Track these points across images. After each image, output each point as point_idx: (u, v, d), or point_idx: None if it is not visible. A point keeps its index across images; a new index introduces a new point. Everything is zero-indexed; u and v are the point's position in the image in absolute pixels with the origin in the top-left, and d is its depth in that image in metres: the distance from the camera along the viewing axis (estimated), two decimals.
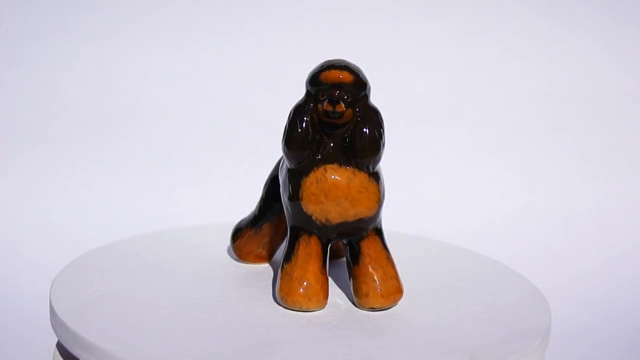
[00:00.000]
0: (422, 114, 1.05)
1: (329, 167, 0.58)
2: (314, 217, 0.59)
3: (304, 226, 0.60)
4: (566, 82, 1.06)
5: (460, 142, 1.05)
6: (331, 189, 0.58)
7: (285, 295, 0.60)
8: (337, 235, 0.60)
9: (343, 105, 0.57)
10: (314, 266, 0.60)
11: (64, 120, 1.02)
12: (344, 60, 0.59)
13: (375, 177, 0.59)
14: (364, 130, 0.58)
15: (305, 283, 0.59)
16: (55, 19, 1.02)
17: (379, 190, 0.60)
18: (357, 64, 0.60)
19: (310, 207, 0.59)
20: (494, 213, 1.00)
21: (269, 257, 0.68)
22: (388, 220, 0.75)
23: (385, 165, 0.92)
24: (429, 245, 0.77)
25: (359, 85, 0.58)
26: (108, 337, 0.52)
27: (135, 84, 1.03)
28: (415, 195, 1.00)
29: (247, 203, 0.74)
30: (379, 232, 0.61)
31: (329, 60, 0.59)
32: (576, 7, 1.05)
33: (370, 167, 0.59)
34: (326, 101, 0.57)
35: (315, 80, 0.58)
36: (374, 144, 0.58)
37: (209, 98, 1.04)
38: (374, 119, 0.59)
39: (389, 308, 0.61)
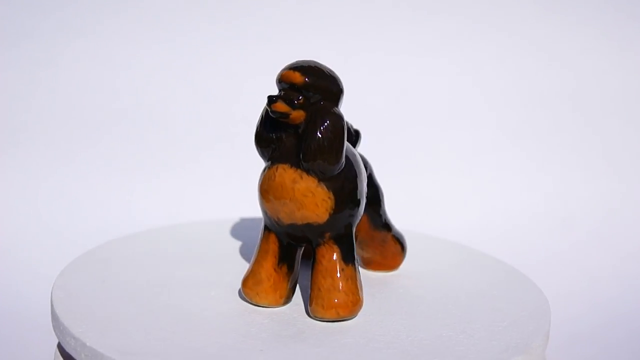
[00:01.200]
0: (423, 114, 1.03)
1: (281, 166, 0.58)
2: (268, 214, 0.59)
3: (265, 221, 0.60)
4: (567, 83, 1.04)
5: (462, 142, 1.03)
6: (277, 188, 0.58)
7: (241, 285, 0.61)
8: (291, 236, 0.59)
9: (282, 105, 0.56)
10: (267, 263, 0.60)
11: (62, 121, 1.03)
12: (310, 62, 0.58)
13: (330, 183, 0.57)
14: (316, 134, 0.56)
15: (256, 278, 0.60)
16: (56, 21, 1.02)
17: (330, 198, 0.57)
18: (329, 68, 0.58)
19: (264, 204, 0.59)
20: (496, 214, 0.98)
21: None
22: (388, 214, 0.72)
23: (388, 165, 0.89)
24: (432, 242, 0.75)
25: (310, 87, 0.57)
26: (109, 342, 0.53)
27: (135, 84, 1.03)
28: (417, 195, 0.99)
29: (249, 201, 0.75)
30: (339, 240, 0.59)
31: (297, 61, 0.58)
32: (577, 7, 1.03)
33: (319, 171, 0.57)
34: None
35: (277, 79, 0.58)
36: (324, 150, 0.56)
37: (210, 97, 1.03)
38: (329, 124, 0.56)
39: (336, 320, 0.59)
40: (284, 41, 1.01)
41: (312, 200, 0.57)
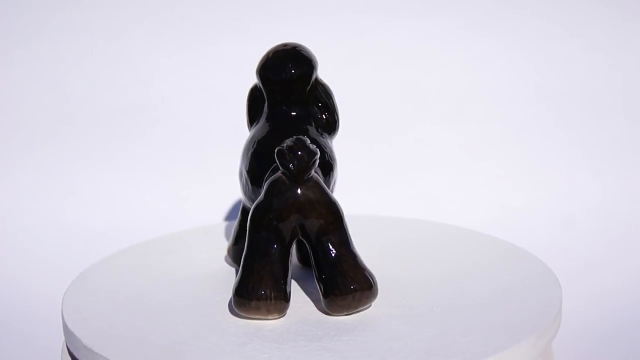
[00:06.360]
0: (428, 110, 1.03)
1: None
2: None
3: None
4: (573, 79, 1.03)
5: (466, 138, 1.03)
6: None
7: None
8: None
9: None
10: None
11: (72, 119, 1.02)
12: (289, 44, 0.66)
13: None
14: None
15: None
16: (64, 16, 1.01)
17: None
18: (276, 51, 0.66)
19: None
20: (500, 209, 0.98)
21: None
22: (394, 209, 0.81)
23: (392, 160, 0.98)
24: (440, 227, 0.74)
25: None
26: (116, 351, 0.53)
27: (146, 81, 1.03)
28: (421, 191, 0.98)
29: None
30: None
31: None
32: (582, 3, 1.03)
33: None
34: None
35: None
36: None
37: (221, 95, 1.01)
38: None
39: None
40: (293, 38, 1.03)
41: None
